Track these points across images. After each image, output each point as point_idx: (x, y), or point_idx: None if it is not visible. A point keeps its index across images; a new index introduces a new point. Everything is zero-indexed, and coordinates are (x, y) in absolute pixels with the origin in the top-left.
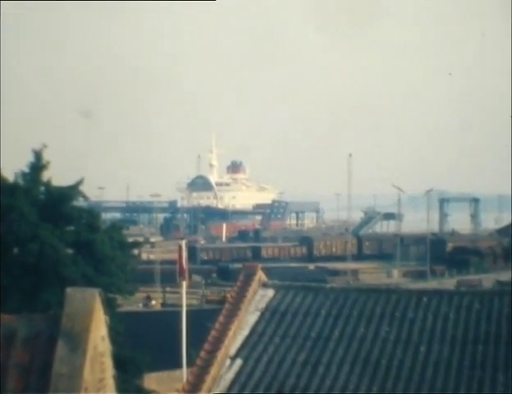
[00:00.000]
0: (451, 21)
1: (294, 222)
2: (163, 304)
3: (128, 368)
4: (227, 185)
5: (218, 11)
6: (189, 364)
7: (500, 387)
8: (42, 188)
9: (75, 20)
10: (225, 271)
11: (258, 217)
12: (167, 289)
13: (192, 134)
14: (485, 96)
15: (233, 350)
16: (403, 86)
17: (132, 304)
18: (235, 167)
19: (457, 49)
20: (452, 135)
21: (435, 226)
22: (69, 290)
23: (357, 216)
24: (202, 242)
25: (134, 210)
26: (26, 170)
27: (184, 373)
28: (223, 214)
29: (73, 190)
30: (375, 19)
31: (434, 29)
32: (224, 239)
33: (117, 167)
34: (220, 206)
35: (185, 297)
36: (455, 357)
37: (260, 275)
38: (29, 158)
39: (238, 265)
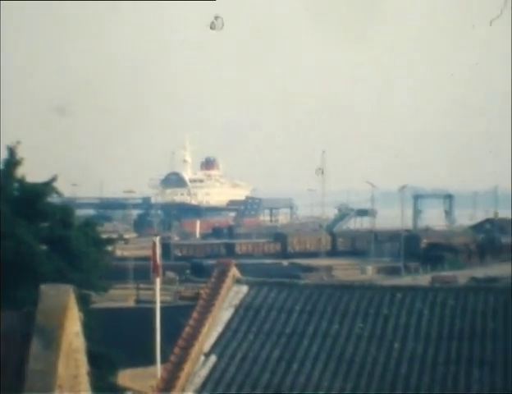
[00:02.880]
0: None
1: (267, 218)
2: (137, 301)
3: (102, 365)
4: (201, 181)
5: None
6: (164, 360)
7: (475, 383)
8: (16, 184)
9: (52, 15)
10: (199, 267)
11: (232, 214)
12: (141, 285)
13: (166, 130)
14: (466, 96)
15: (207, 347)
16: (382, 84)
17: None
18: (208, 164)
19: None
20: (426, 131)
21: (409, 223)
22: (43, 287)
23: (331, 212)
24: (176, 239)
25: (108, 207)
26: (0, 166)
27: (158, 369)
28: (197, 211)
29: (47, 187)
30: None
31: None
32: (198, 235)
33: (91, 164)
34: (194, 202)
35: (158, 294)
36: (430, 353)
37: (234, 271)
38: (3, 154)
39: (212, 261)
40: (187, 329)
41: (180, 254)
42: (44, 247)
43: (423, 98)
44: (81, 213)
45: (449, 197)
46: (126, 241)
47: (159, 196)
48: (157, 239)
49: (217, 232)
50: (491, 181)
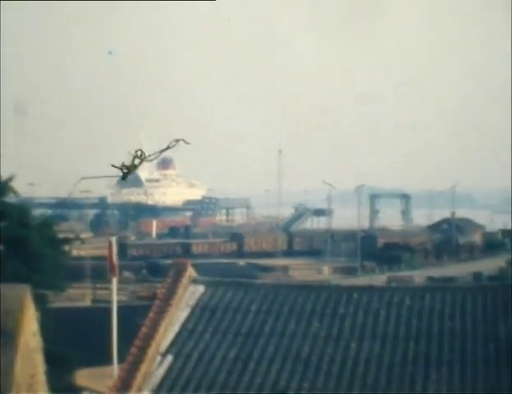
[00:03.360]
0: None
1: (224, 218)
2: (94, 301)
3: (59, 365)
4: (157, 181)
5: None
6: (121, 360)
7: (433, 383)
8: None
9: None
10: (155, 267)
11: (189, 214)
12: (98, 285)
13: (123, 130)
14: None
15: (164, 347)
16: (342, 81)
17: None
18: (165, 164)
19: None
20: (385, 132)
21: (365, 223)
22: None
23: (287, 212)
24: (132, 238)
25: (65, 206)
26: None
27: (115, 369)
28: (153, 210)
29: (3, 186)
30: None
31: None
32: (154, 235)
33: (48, 163)
34: (150, 202)
35: (115, 293)
36: (386, 353)
37: (190, 271)
38: None
39: (168, 261)
40: (144, 329)
41: (136, 254)
42: (1, 247)
43: (388, 96)
44: (38, 212)
45: (406, 197)
46: (83, 241)
47: (116, 196)
48: (114, 239)
49: (173, 232)
50: (448, 181)
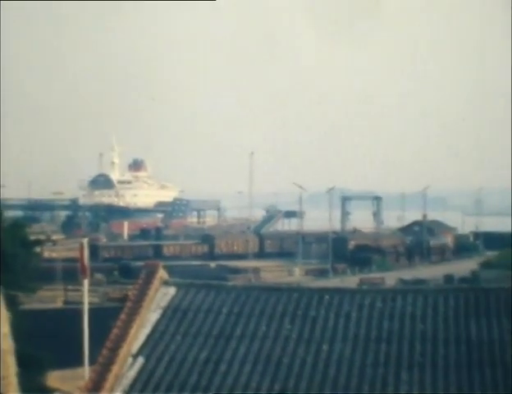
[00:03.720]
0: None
1: (195, 220)
2: (65, 302)
3: (31, 366)
4: (129, 183)
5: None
6: (92, 361)
7: (404, 385)
8: None
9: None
10: (126, 269)
11: (160, 215)
12: (69, 287)
13: (95, 132)
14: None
15: (135, 348)
16: (315, 81)
17: None
18: (136, 165)
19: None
20: (355, 134)
21: (337, 225)
22: None
23: (259, 214)
24: (103, 240)
25: (36, 208)
26: None
27: (86, 370)
28: (125, 212)
29: None
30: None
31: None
32: (126, 237)
33: (19, 165)
34: (121, 204)
35: (87, 295)
36: (358, 355)
37: (161, 273)
38: None
39: (140, 263)
40: (115, 331)
41: (108, 256)
42: None
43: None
44: (9, 214)
45: (377, 199)
46: (54, 243)
47: (87, 198)
48: (85, 240)
49: (144, 234)
50: (420, 183)
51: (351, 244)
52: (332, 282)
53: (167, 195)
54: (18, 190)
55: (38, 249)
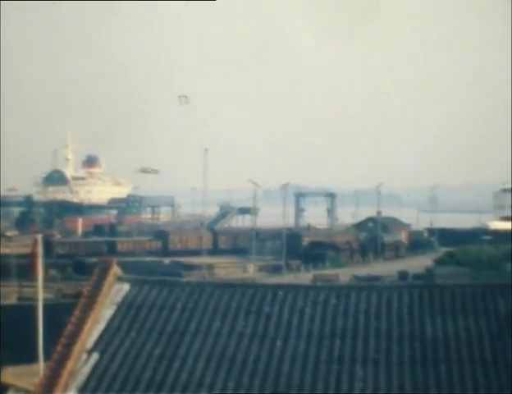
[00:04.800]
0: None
1: (149, 216)
2: (20, 298)
3: None
4: (83, 179)
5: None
6: (46, 358)
7: (358, 381)
8: None
9: None
10: (80, 265)
11: (114, 212)
12: (23, 283)
13: (49, 128)
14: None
15: (89, 344)
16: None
17: None
18: (90, 162)
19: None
20: (311, 131)
21: (291, 221)
22: None
23: (213, 210)
24: (58, 236)
25: None
26: None
27: (41, 367)
28: (79, 208)
29: None
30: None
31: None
32: (80, 233)
33: None
34: (76, 200)
35: (41, 291)
36: (312, 352)
37: (115, 269)
38: None
39: (94, 259)
40: (69, 327)
41: (62, 252)
42: None
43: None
44: None
45: (331, 195)
46: (9, 239)
47: (41, 194)
48: (39, 236)
49: (98, 230)
50: (374, 180)
51: (305, 240)
52: (286, 279)
53: (121, 192)
54: None
55: None
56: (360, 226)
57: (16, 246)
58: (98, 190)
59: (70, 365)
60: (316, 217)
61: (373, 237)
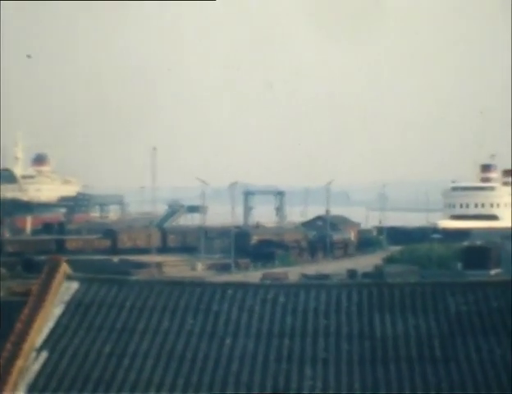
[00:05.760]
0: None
1: (98, 214)
2: None
3: None
4: (32, 177)
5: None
6: None
7: (308, 380)
8: None
9: None
10: (29, 263)
11: (63, 210)
12: None
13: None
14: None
15: (39, 343)
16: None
17: None
18: (39, 160)
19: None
20: (261, 129)
21: (240, 219)
22: None
23: (161, 209)
24: (7, 235)
25: None
26: None
27: None
28: (28, 207)
29: None
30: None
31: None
32: (29, 231)
33: None
34: (25, 199)
35: None
36: (261, 350)
37: (64, 267)
38: None
39: (43, 257)
40: (18, 325)
41: (11, 250)
42: None
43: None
44: None
45: (280, 194)
46: None
47: None
48: None
49: (47, 228)
50: (323, 178)
51: (254, 238)
52: (235, 277)
53: (70, 190)
54: None
55: None
56: (309, 224)
57: None
58: (48, 189)
59: (19, 363)
60: (265, 215)
61: (322, 236)
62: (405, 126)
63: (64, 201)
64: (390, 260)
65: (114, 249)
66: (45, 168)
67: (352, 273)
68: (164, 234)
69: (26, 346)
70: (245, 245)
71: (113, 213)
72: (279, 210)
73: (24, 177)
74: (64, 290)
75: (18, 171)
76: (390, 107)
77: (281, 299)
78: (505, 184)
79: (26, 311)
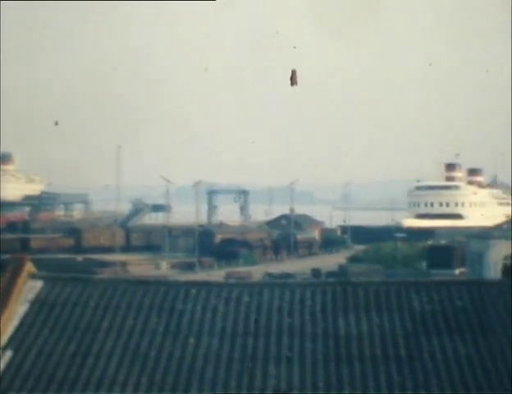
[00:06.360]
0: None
1: (62, 213)
2: None
3: None
4: None
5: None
6: None
7: (272, 379)
8: None
9: None
10: None
11: (28, 209)
12: None
13: None
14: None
15: (3, 342)
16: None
17: None
18: (3, 159)
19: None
20: (224, 127)
21: (204, 218)
22: None
23: (126, 207)
24: None
25: None
26: None
27: None
28: None
29: None
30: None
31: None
32: None
33: None
34: None
35: None
36: (225, 349)
37: (29, 266)
38: None
39: (7, 256)
40: None
41: None
42: None
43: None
44: None
45: (244, 193)
46: None
47: None
48: None
49: (11, 227)
50: (288, 177)
51: (218, 237)
52: (199, 276)
53: (35, 189)
54: None
55: None
56: (273, 223)
57: None
58: (12, 187)
59: None
60: (229, 214)
61: (286, 235)
62: (375, 127)
63: (28, 200)
64: (354, 259)
65: (78, 248)
66: (9, 167)
67: (316, 272)
68: (128, 233)
69: None
70: (209, 243)
71: (78, 212)
72: (243, 209)
73: None
74: (28, 289)
75: None
76: (360, 108)
77: (245, 298)
78: (470, 183)
79: None
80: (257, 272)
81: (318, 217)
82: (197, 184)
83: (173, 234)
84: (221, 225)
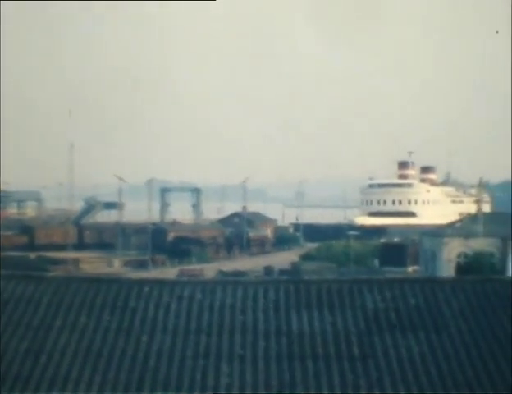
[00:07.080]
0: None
1: (15, 211)
2: None
3: None
4: None
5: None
6: None
7: (225, 377)
8: None
9: None
10: None
11: None
12: None
13: None
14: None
15: None
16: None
17: None
18: None
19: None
20: (175, 126)
21: (156, 216)
22: None
23: (79, 205)
24: None
25: None
26: None
27: None
28: None
29: None
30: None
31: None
32: None
33: None
34: None
35: None
36: (178, 347)
37: None
38: None
39: None
40: None
41: None
42: None
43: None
44: None
45: (196, 190)
46: None
47: None
48: None
49: None
50: (240, 175)
51: (170, 235)
52: (152, 274)
53: None
54: None
55: None
56: (226, 221)
57: None
58: None
59: None
60: (181, 212)
61: (239, 232)
62: (329, 124)
63: None
64: (306, 257)
65: (31, 246)
66: None
67: (269, 270)
68: (81, 230)
69: None
70: (162, 241)
71: (30, 210)
72: (196, 207)
73: None
74: None
75: None
76: (315, 107)
77: (198, 295)
78: (423, 180)
79: None
80: (209, 269)
81: (271, 215)
82: (149, 182)
83: (126, 232)
84: (173, 223)
